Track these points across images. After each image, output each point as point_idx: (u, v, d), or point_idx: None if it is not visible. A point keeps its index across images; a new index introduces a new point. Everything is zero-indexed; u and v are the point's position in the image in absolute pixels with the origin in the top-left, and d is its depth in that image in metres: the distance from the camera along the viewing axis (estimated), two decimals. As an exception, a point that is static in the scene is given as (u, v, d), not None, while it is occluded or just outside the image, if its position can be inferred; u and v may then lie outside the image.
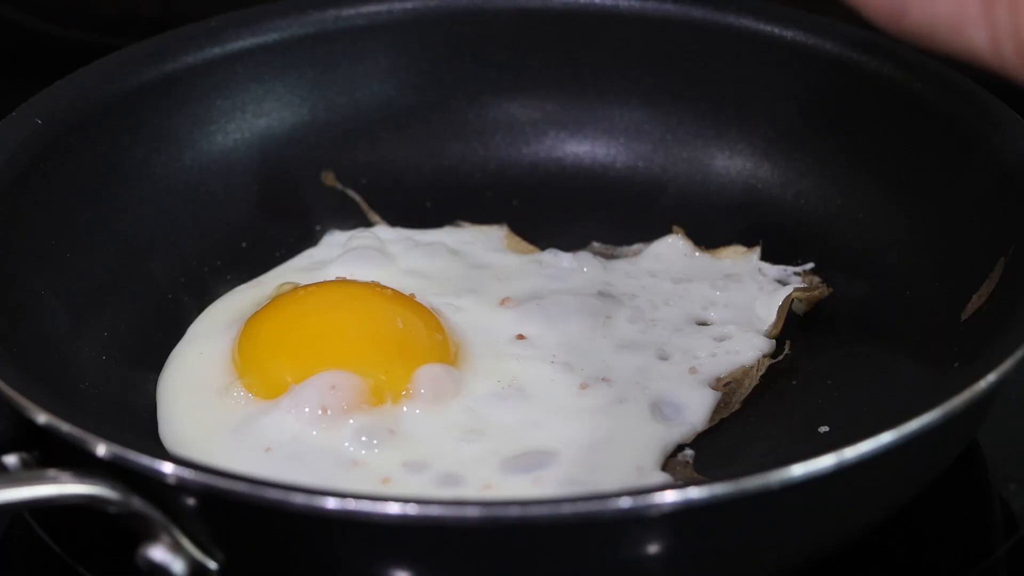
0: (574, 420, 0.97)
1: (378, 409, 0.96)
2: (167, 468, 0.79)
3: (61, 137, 1.04)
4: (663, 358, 1.02)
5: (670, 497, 0.77)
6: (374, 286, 1.03)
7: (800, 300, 1.06)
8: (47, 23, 1.46)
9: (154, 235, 1.09)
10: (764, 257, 1.11)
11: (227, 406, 0.98)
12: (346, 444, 0.93)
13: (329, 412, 0.94)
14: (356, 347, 0.98)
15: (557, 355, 1.01)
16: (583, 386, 0.99)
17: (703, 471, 0.95)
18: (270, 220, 1.14)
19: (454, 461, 0.93)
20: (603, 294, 1.07)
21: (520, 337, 1.03)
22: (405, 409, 0.96)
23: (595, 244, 1.13)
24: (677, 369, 1.01)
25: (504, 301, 1.06)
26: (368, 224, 1.15)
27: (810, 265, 1.09)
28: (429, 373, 0.97)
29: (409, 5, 1.17)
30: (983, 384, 0.83)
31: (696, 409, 0.99)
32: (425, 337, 0.99)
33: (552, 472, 0.93)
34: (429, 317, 1.02)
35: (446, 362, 0.99)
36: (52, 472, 0.81)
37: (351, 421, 0.94)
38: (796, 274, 1.09)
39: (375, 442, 0.94)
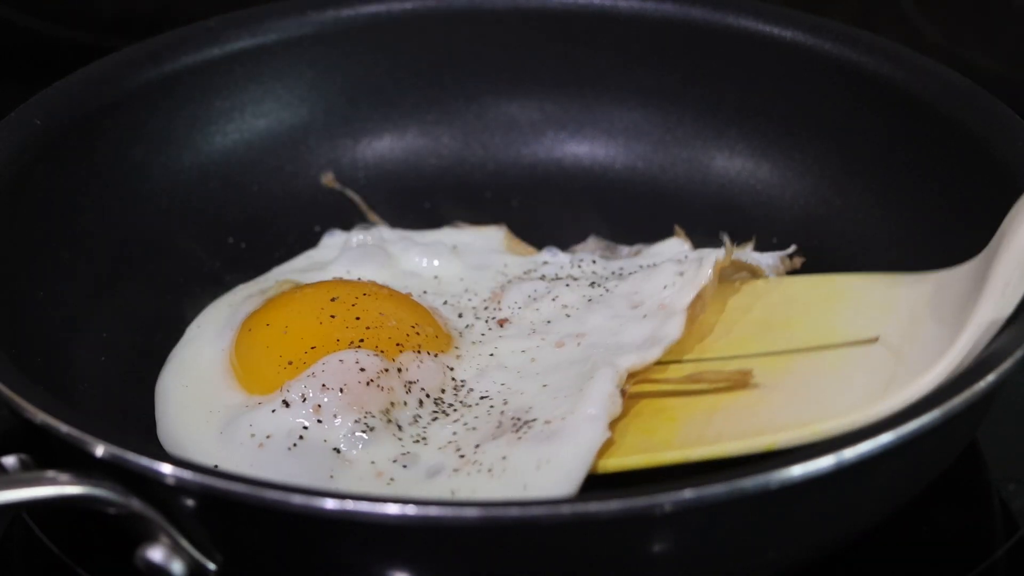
0: (551, 374, 0.97)
1: (372, 405, 0.96)
2: (166, 469, 0.79)
3: (61, 137, 1.04)
4: (635, 307, 1.02)
5: (670, 497, 0.77)
6: (370, 285, 1.03)
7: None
8: (47, 23, 1.46)
9: (153, 236, 1.09)
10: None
11: (226, 406, 0.98)
12: (340, 439, 0.93)
13: (323, 408, 0.94)
14: (351, 345, 0.97)
15: (536, 328, 1.02)
16: (559, 344, 1.00)
17: (703, 471, 0.95)
18: (270, 220, 1.14)
19: (447, 454, 0.93)
20: (597, 284, 1.06)
21: (502, 322, 1.03)
22: (399, 405, 0.96)
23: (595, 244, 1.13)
24: (648, 313, 1.01)
25: (496, 296, 1.06)
26: (368, 224, 1.15)
27: (792, 248, 1.08)
28: (423, 369, 0.97)
29: (409, 5, 1.17)
30: (983, 384, 0.83)
31: (671, 331, 0.98)
32: (421, 335, 0.99)
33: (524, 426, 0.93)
34: (425, 315, 1.02)
35: (441, 358, 0.99)
36: (51, 473, 0.81)
37: (345, 417, 0.94)
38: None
39: (369, 437, 0.94)
